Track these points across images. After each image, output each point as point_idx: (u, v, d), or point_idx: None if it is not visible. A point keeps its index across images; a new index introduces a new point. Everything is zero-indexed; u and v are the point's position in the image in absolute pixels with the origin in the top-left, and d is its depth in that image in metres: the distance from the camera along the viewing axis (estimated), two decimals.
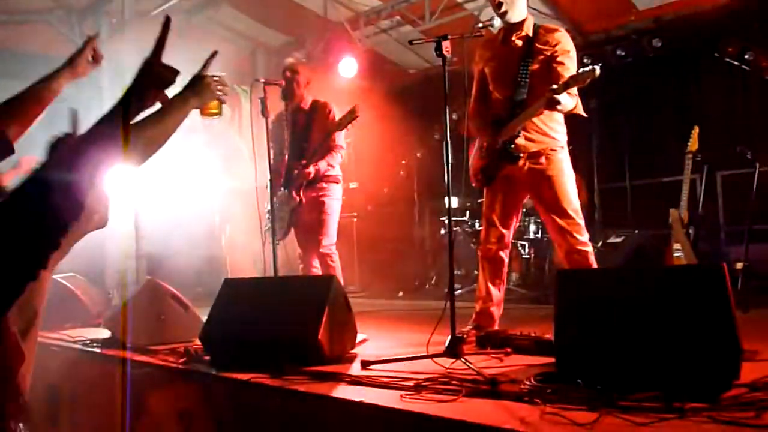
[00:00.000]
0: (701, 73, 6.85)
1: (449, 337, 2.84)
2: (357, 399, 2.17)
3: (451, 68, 3.04)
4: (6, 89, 2.05)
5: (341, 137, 4.62)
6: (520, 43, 3.45)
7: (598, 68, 2.93)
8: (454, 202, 6.99)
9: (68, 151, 1.35)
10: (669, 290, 2.25)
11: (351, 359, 2.92)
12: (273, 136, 4.48)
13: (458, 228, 6.95)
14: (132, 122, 1.48)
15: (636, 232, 6.31)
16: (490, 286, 3.52)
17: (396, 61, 8.57)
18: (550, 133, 3.42)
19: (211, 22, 7.63)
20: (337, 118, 4.46)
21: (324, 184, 4.58)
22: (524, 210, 5.27)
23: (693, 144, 5.24)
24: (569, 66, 3.32)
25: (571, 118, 3.46)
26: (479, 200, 4.80)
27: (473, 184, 3.66)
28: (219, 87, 1.78)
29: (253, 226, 5.49)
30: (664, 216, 5.40)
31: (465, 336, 3.14)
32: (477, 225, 6.83)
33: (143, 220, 5.47)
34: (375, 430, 2.11)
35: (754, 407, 1.78)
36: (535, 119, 3.36)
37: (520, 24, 3.46)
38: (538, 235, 6.63)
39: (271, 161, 4.36)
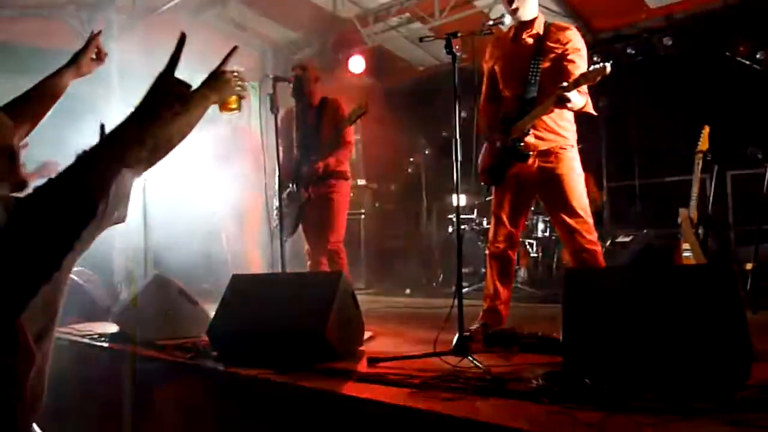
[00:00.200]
0: (712, 72, 6.80)
1: (457, 336, 2.83)
2: (364, 396, 2.17)
3: (460, 66, 3.02)
4: (18, 84, 2.06)
5: (350, 134, 4.62)
6: (530, 41, 3.44)
7: (608, 65, 2.91)
8: (462, 200, 6.98)
9: (84, 156, 1.36)
10: (678, 290, 2.24)
11: (358, 356, 2.92)
12: (282, 133, 4.49)
13: (466, 226, 6.94)
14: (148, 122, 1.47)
15: (645, 231, 6.29)
16: (498, 284, 3.51)
17: (405, 58, 8.55)
18: (560, 131, 3.40)
19: (219, 19, 7.63)
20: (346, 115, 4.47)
21: (332, 181, 4.58)
22: (532, 208, 5.25)
23: (703, 143, 5.20)
24: (580, 64, 3.30)
25: (580, 117, 3.44)
26: (487, 198, 4.78)
27: (482, 182, 3.66)
28: (239, 82, 1.74)
29: (262, 223, 5.51)
30: (673, 215, 5.36)
31: (472, 334, 3.14)
32: (485, 223, 6.81)
33: (152, 214, 5.49)
34: (382, 428, 2.11)
35: (765, 408, 1.77)
36: (545, 117, 3.35)
37: (531, 22, 3.45)
38: (546, 234, 6.62)
39: (280, 158, 4.37)
